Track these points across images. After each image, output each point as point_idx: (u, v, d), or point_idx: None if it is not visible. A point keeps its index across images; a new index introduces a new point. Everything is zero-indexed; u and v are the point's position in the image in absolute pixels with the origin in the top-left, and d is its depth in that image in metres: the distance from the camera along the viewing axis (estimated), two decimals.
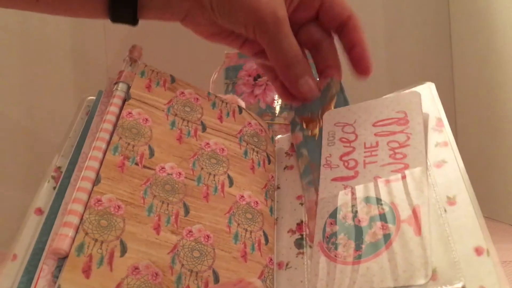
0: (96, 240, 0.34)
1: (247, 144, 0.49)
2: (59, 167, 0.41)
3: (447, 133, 0.44)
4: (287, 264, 0.43)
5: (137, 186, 0.38)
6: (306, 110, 0.52)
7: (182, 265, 0.36)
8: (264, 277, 0.41)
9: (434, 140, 0.44)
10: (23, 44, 1.55)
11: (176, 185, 0.41)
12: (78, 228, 0.34)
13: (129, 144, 0.41)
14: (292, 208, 0.47)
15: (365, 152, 0.47)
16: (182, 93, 0.49)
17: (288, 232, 0.46)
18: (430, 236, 0.38)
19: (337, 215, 0.43)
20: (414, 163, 0.43)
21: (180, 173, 0.42)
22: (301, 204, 0.47)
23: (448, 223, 0.38)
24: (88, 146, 0.41)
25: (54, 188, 0.40)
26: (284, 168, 0.52)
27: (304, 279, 0.41)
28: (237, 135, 0.50)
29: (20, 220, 0.38)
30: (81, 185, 0.36)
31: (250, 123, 0.52)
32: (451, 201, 0.39)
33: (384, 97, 0.51)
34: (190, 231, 0.39)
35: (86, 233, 0.34)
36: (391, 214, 0.41)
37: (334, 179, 0.46)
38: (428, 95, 0.48)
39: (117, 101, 0.44)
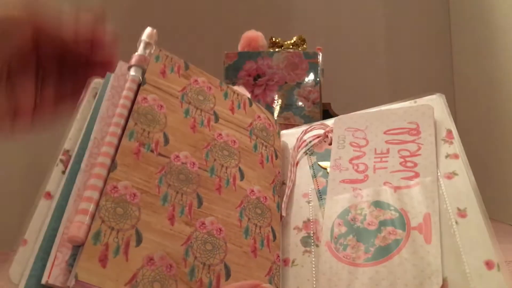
0: (112, 229, 0.31)
1: (256, 138, 0.47)
2: (68, 150, 0.38)
3: (458, 146, 0.43)
4: (293, 261, 0.41)
5: (152, 174, 0.36)
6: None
7: (195, 257, 0.34)
8: (272, 273, 0.39)
9: (445, 151, 0.43)
10: None
11: (190, 175, 0.39)
12: (94, 215, 0.32)
13: (144, 130, 0.38)
14: (298, 206, 0.46)
15: (375, 157, 0.46)
16: (196, 81, 0.46)
17: (294, 229, 0.44)
18: (440, 245, 0.37)
19: (346, 217, 0.42)
20: (424, 172, 0.42)
21: (194, 163, 0.40)
22: (308, 202, 0.46)
23: (459, 234, 0.37)
24: (100, 131, 0.38)
25: (63, 172, 0.37)
26: (289, 164, 0.50)
27: (311, 278, 0.39)
28: (248, 128, 0.48)
29: (20, 222, 0.36)
30: (96, 172, 0.34)
31: (259, 117, 0.50)
32: (461, 213, 0.38)
33: (396, 106, 0.50)
34: (203, 223, 0.37)
35: (103, 221, 0.31)
36: (401, 220, 0.40)
37: (343, 181, 0.45)
38: (439, 106, 0.47)
39: (131, 85, 0.41)
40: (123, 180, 0.34)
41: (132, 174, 0.35)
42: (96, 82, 0.44)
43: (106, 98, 0.41)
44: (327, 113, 1.13)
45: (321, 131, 0.51)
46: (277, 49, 1.15)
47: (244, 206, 0.41)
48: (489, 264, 0.34)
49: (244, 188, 0.42)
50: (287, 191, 0.47)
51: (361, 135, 0.48)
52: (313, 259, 0.41)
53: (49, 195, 0.35)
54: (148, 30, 0.47)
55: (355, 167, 0.46)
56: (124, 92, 0.40)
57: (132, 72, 0.43)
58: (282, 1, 1.80)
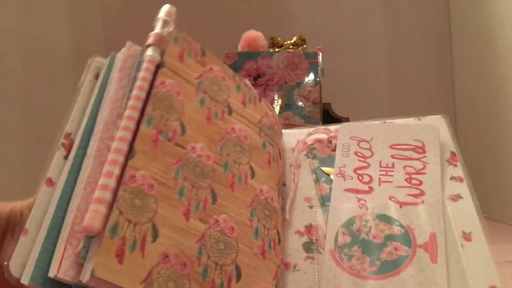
0: (129, 222, 0.29)
1: (265, 135, 0.46)
2: (69, 134, 0.35)
3: (462, 169, 0.44)
4: (294, 266, 0.41)
5: (169, 165, 0.34)
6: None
7: (209, 256, 0.33)
8: (278, 278, 0.38)
9: (450, 173, 0.44)
10: (23, 45, 1.46)
11: (206, 169, 0.37)
12: (110, 205, 0.29)
13: (162, 117, 0.36)
14: (300, 210, 0.45)
15: (380, 170, 0.46)
16: (211, 69, 0.44)
17: (295, 233, 0.43)
18: (446, 266, 0.38)
19: (350, 227, 0.42)
20: (430, 192, 0.43)
21: (209, 156, 0.38)
22: (310, 207, 0.45)
23: (465, 258, 0.38)
24: (109, 115, 0.35)
25: (65, 157, 0.34)
26: (290, 166, 0.49)
27: (314, 285, 0.39)
28: (258, 124, 0.46)
29: None
30: (112, 158, 0.31)
31: (267, 114, 0.48)
32: (467, 236, 0.39)
33: (400, 122, 0.50)
34: (217, 221, 0.35)
35: (120, 212, 0.29)
36: (407, 236, 0.40)
37: (347, 190, 0.45)
38: (442, 127, 0.48)
39: (149, 66, 0.38)
40: (141, 169, 0.32)
41: (150, 163, 0.33)
42: (97, 61, 0.41)
43: (114, 80, 0.38)
44: (327, 113, 1.13)
45: (325, 136, 0.51)
46: (277, 49, 1.15)
47: (254, 205, 0.40)
48: None
49: (254, 187, 0.41)
50: (291, 194, 0.46)
51: (366, 146, 0.48)
52: (316, 267, 0.40)
53: (50, 182, 0.32)
54: (167, 7, 0.43)
55: (360, 178, 0.45)
56: (142, 73, 0.37)
57: (150, 52, 0.39)
58: (282, 1, 1.79)
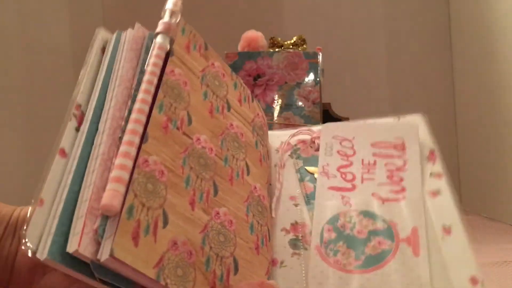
0: (143, 205, 0.29)
1: (257, 135, 0.47)
2: (80, 105, 0.35)
3: (440, 165, 0.46)
4: (281, 263, 0.41)
5: (177, 154, 0.34)
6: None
7: (211, 247, 0.33)
8: (269, 273, 0.39)
9: (429, 170, 0.46)
10: (23, 45, 1.44)
11: (209, 161, 0.37)
12: (127, 186, 0.29)
13: (171, 104, 0.36)
14: (285, 208, 0.46)
15: (362, 168, 0.47)
16: (213, 64, 0.44)
17: (281, 230, 0.44)
18: (428, 259, 0.39)
19: (335, 223, 0.43)
20: (411, 188, 0.44)
21: (211, 149, 0.38)
22: (295, 205, 0.46)
23: (445, 250, 0.39)
24: (120, 94, 0.35)
25: (77, 129, 0.33)
26: (275, 166, 0.50)
27: (301, 280, 0.40)
28: (251, 123, 0.47)
29: None
30: (128, 139, 0.31)
31: (258, 114, 0.49)
32: (447, 230, 0.40)
33: (383, 120, 0.52)
34: (218, 213, 0.35)
35: (135, 195, 0.29)
36: (390, 231, 0.41)
37: (331, 188, 0.46)
38: (421, 126, 0.50)
39: (159, 52, 0.38)
40: (153, 155, 0.32)
41: (161, 149, 0.33)
42: (103, 34, 0.40)
43: (124, 59, 0.37)
44: (327, 113, 1.13)
45: (308, 137, 0.52)
46: (277, 49, 1.15)
47: (250, 201, 0.40)
48: (474, 281, 0.37)
49: (250, 183, 0.42)
50: (277, 193, 0.47)
51: (348, 145, 0.49)
52: (302, 262, 0.41)
53: (63, 153, 0.32)
54: None
55: (343, 176, 0.46)
56: (152, 59, 0.37)
57: (160, 39, 0.39)
58: (282, 1, 1.79)
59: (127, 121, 0.33)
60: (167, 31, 0.39)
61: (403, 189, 0.44)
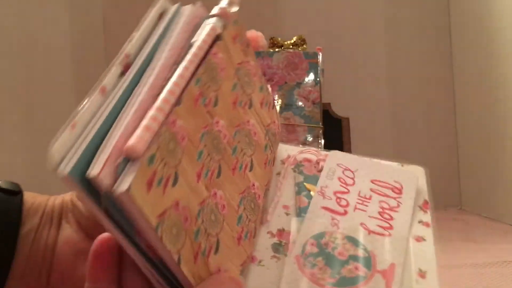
0: (162, 159, 0.30)
1: (268, 139, 0.49)
2: (128, 55, 0.36)
3: (430, 216, 0.47)
4: (260, 261, 0.43)
5: (199, 127, 0.36)
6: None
7: (203, 221, 0.34)
8: (244, 266, 0.40)
9: (419, 217, 0.47)
10: (23, 45, 1.46)
11: (220, 145, 0.39)
12: (153, 137, 0.30)
13: (206, 82, 0.37)
14: (277, 214, 0.47)
15: (358, 199, 0.49)
16: (248, 62, 0.46)
17: (267, 233, 0.45)
18: None
19: (319, 239, 0.44)
20: (398, 227, 0.46)
21: (225, 136, 0.40)
22: (286, 214, 0.47)
23: None
24: (169, 58, 0.37)
25: (121, 74, 0.35)
26: (277, 174, 0.52)
27: (275, 282, 0.41)
28: (266, 127, 0.49)
29: None
30: (165, 97, 0.33)
31: (275, 122, 0.51)
32: (422, 274, 0.42)
33: (387, 163, 0.54)
34: (215, 194, 0.37)
35: (158, 147, 0.30)
36: (369, 260, 0.43)
37: (324, 208, 0.47)
38: (421, 177, 0.52)
39: (211, 32, 0.39)
40: (181, 119, 0.33)
41: (188, 117, 0.34)
42: (163, 2, 0.42)
43: (180, 29, 0.39)
44: (327, 113, 1.14)
45: (314, 157, 0.54)
46: (277, 49, 1.16)
47: (245, 195, 0.42)
48: None
49: (250, 179, 0.43)
50: (276, 199, 0.48)
51: (350, 175, 0.51)
52: (280, 266, 0.42)
53: (104, 91, 0.33)
54: None
55: (338, 200, 0.48)
56: (204, 36, 0.39)
57: (214, 21, 0.41)
58: (282, 1, 1.81)
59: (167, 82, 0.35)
60: (223, 15, 0.42)
61: (390, 227, 0.46)
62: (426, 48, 1.77)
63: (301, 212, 0.47)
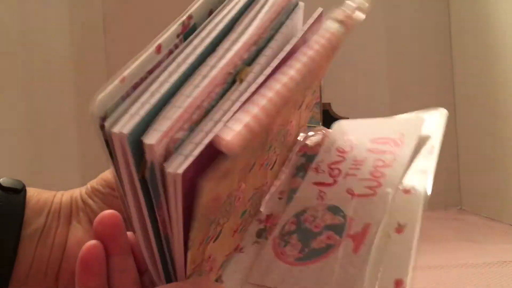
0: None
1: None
2: (191, 17, 0.33)
3: (432, 163, 0.40)
4: (241, 249, 0.42)
5: (277, 124, 0.36)
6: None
7: (220, 210, 0.33)
8: (229, 257, 0.40)
9: (417, 166, 0.40)
10: (23, 45, 1.48)
11: (267, 140, 0.37)
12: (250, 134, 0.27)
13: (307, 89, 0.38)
14: (271, 201, 0.46)
15: (352, 164, 0.44)
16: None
17: (256, 220, 0.45)
18: (367, 257, 0.35)
19: (300, 217, 0.42)
20: (386, 184, 0.40)
21: (274, 133, 0.38)
22: (279, 199, 0.46)
23: (387, 249, 0.35)
24: (248, 38, 0.32)
25: (178, 35, 0.32)
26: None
27: (249, 267, 0.40)
28: (299, 129, 0.48)
29: None
30: (273, 98, 0.29)
31: (304, 126, 0.49)
32: (399, 228, 0.35)
33: (404, 115, 0.48)
34: (240, 186, 0.35)
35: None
36: (343, 227, 0.38)
37: (315, 183, 0.44)
38: (436, 121, 0.44)
39: (331, 37, 0.35)
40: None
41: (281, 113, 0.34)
42: None
43: (269, 9, 0.35)
44: (327, 113, 1.08)
45: (320, 137, 0.50)
46: None
47: (257, 192, 0.41)
48: (397, 284, 0.32)
49: (267, 177, 0.43)
50: (273, 189, 0.47)
51: (349, 141, 0.47)
52: (258, 251, 0.41)
53: (159, 50, 0.30)
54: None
55: (330, 171, 0.44)
56: (323, 41, 0.35)
57: (336, 26, 0.36)
58: None
59: (248, 64, 0.32)
60: (345, 23, 0.37)
61: (378, 185, 0.40)
62: (426, 49, 1.67)
63: (292, 193, 0.45)
